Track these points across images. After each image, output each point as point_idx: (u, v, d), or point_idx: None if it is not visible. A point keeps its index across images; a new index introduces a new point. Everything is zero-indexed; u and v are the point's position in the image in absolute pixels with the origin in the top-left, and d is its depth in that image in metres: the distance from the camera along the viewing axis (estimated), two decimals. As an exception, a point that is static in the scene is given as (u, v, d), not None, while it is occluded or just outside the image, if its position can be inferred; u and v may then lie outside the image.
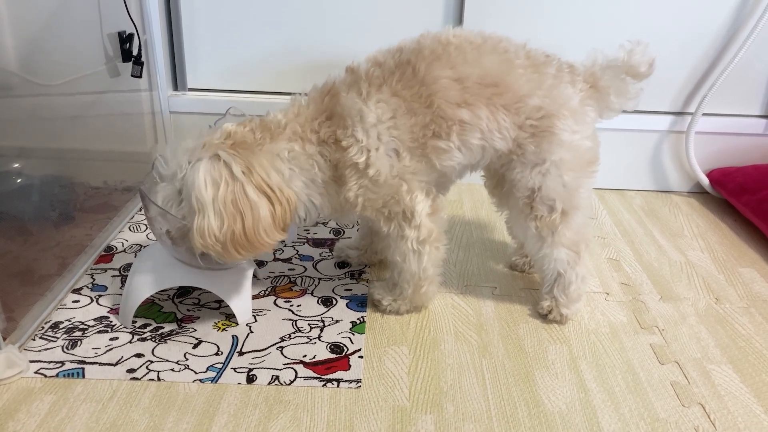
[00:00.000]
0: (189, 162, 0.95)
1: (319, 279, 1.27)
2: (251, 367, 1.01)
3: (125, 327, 1.09)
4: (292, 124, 1.00)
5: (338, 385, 0.98)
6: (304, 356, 1.04)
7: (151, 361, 1.02)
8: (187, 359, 1.03)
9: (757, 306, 1.23)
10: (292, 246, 1.38)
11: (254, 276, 1.16)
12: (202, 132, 0.99)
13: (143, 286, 1.08)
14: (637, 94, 1.09)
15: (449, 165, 1.03)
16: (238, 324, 1.11)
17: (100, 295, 1.18)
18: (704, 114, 1.64)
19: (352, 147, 0.98)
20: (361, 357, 1.05)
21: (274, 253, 1.35)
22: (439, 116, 0.99)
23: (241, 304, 1.12)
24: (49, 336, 1.06)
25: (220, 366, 1.01)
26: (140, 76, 1.48)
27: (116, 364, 1.01)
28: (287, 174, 0.99)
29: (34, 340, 1.05)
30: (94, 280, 1.23)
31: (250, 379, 0.99)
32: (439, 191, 1.10)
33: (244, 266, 1.14)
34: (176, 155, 0.97)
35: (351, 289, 1.24)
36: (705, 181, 1.70)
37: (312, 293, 1.22)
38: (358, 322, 1.14)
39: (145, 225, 1.44)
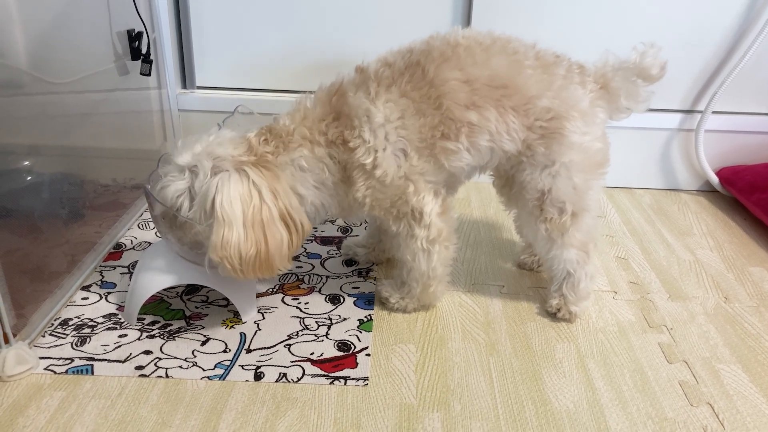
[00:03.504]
0: (213, 168, 0.95)
1: (327, 277, 1.27)
2: (259, 364, 1.02)
3: (131, 324, 1.10)
4: (300, 129, 1.00)
5: (345, 383, 0.98)
6: (312, 354, 1.05)
7: (160, 358, 1.02)
8: (195, 356, 1.03)
9: (767, 305, 1.22)
10: (300, 244, 1.39)
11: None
12: (215, 129, 1.00)
13: (147, 285, 1.08)
14: (647, 97, 1.08)
15: (458, 166, 1.03)
16: (244, 321, 1.12)
17: (109, 293, 1.18)
18: (714, 112, 1.63)
19: (360, 148, 0.98)
20: (368, 355, 1.05)
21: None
22: (448, 118, 0.98)
23: (246, 301, 1.12)
24: (59, 333, 1.07)
25: (228, 363, 1.02)
26: (149, 74, 1.48)
27: (125, 361, 1.01)
28: (300, 183, 1.01)
29: (43, 336, 1.06)
30: (103, 277, 1.23)
31: (258, 377, 0.99)
32: (448, 192, 1.10)
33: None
34: (193, 150, 0.97)
35: (358, 287, 1.24)
36: (714, 179, 1.69)
37: (319, 291, 1.22)
38: (365, 320, 1.14)
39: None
